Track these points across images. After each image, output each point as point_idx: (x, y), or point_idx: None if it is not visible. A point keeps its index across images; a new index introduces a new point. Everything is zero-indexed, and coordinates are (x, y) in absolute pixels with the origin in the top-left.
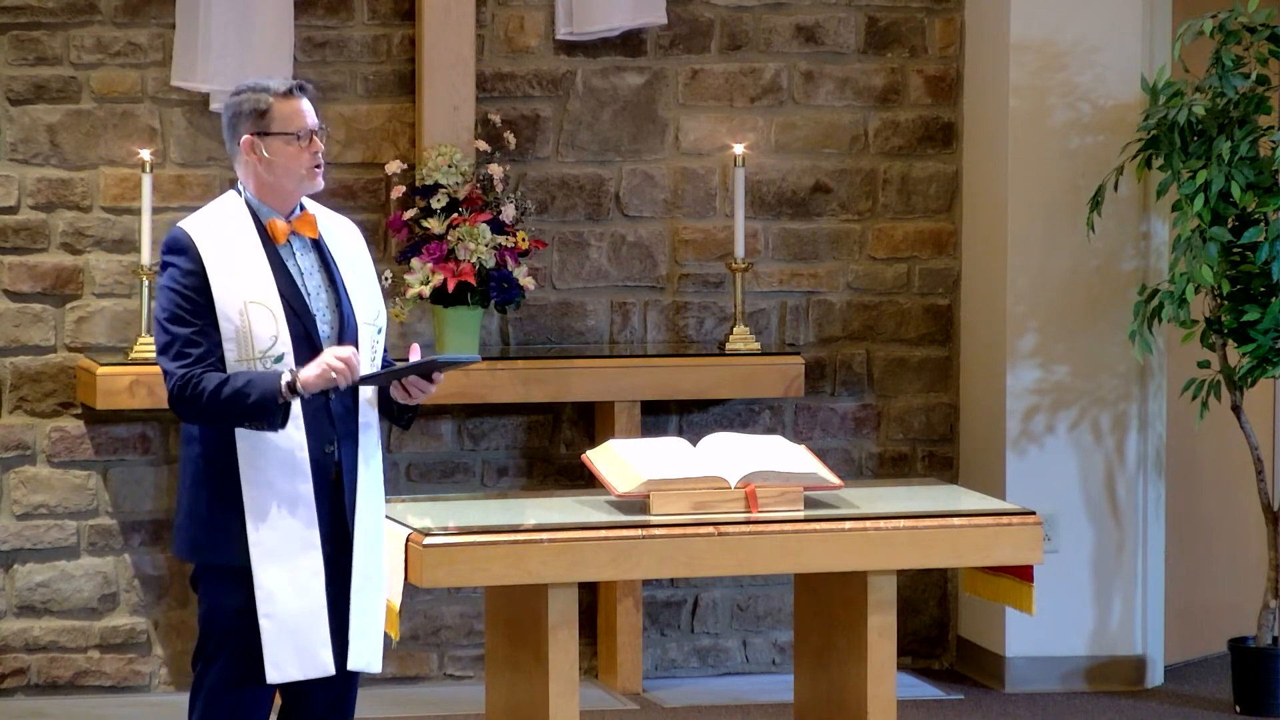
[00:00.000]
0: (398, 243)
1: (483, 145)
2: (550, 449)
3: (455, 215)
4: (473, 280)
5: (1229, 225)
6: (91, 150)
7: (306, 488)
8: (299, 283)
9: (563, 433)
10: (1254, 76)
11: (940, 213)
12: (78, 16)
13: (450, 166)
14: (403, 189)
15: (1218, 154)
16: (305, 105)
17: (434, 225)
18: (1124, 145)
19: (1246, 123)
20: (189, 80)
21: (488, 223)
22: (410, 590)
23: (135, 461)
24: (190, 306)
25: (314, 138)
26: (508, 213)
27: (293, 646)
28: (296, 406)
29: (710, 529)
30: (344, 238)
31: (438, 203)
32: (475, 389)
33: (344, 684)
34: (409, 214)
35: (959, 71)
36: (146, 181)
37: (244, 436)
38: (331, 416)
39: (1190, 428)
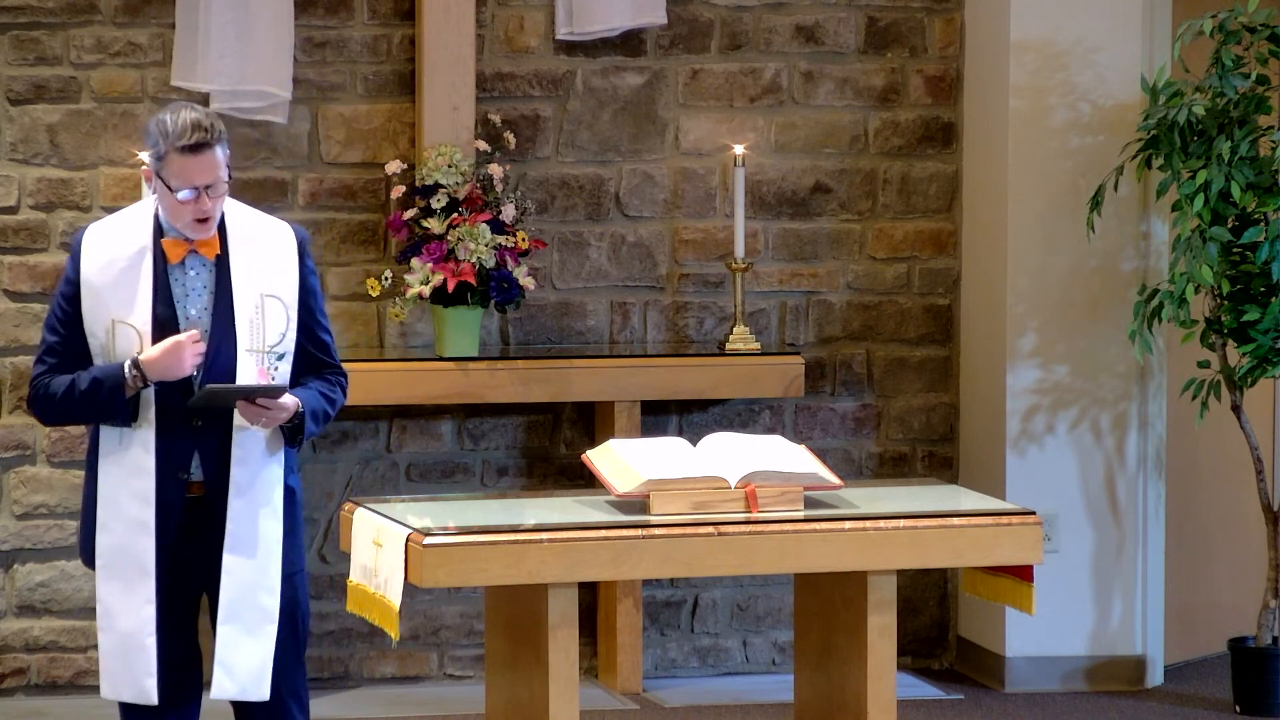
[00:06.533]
0: (398, 243)
1: (483, 145)
2: (550, 449)
3: (455, 215)
4: (473, 280)
5: (1229, 225)
6: (91, 150)
7: (148, 514)
8: (180, 305)
9: (563, 433)
10: (1254, 76)
11: (940, 213)
12: (78, 16)
13: (450, 166)
14: (403, 189)
15: (1218, 154)
16: (202, 163)
17: (434, 225)
18: (1124, 145)
19: (1246, 123)
20: (189, 80)
21: (488, 223)
22: (410, 590)
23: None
24: (61, 314)
25: (201, 195)
26: (508, 213)
27: (123, 667)
28: (150, 430)
29: (710, 529)
30: (263, 252)
31: (438, 203)
32: (475, 389)
33: (272, 707)
34: (409, 214)
35: (959, 71)
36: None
37: (103, 448)
38: (195, 443)
39: (1190, 428)
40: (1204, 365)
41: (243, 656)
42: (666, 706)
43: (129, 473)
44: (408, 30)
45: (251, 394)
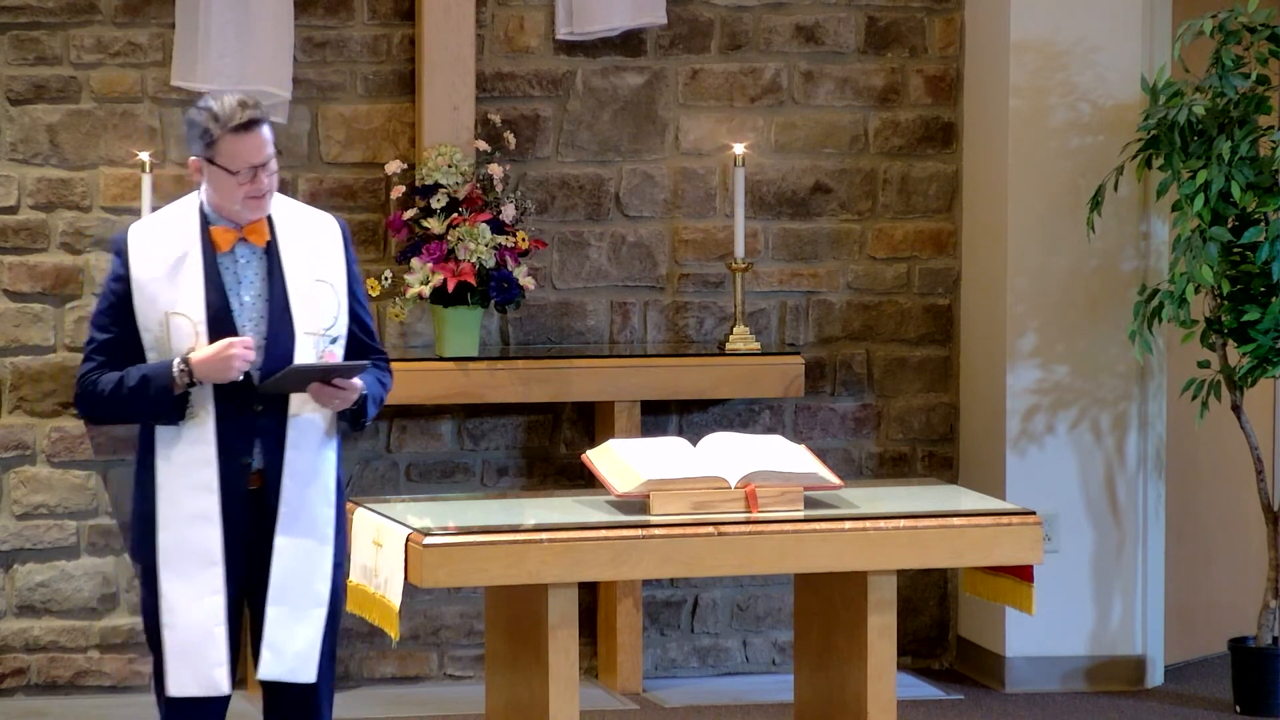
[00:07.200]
0: (398, 243)
1: (483, 145)
2: (550, 449)
3: (455, 215)
4: (473, 280)
5: (1229, 225)
6: (91, 150)
7: (211, 503)
8: (233, 293)
9: (563, 433)
10: (1254, 76)
11: (940, 213)
12: (78, 16)
13: (450, 166)
14: (403, 189)
15: (1218, 154)
16: (254, 141)
17: (434, 225)
18: (1124, 145)
19: (1246, 123)
20: (189, 80)
21: (488, 223)
22: (410, 590)
23: (135, 461)
24: (111, 312)
25: (257, 173)
26: (508, 213)
27: (189, 662)
28: (209, 420)
29: (710, 529)
30: (310, 239)
31: (438, 203)
32: (475, 389)
33: (303, 692)
34: (409, 214)
35: (959, 71)
36: (146, 181)
37: (160, 444)
38: (255, 429)
39: (1190, 428)
40: (1204, 365)
41: (291, 638)
42: (666, 706)
43: (190, 464)
44: (408, 30)
45: (333, 373)
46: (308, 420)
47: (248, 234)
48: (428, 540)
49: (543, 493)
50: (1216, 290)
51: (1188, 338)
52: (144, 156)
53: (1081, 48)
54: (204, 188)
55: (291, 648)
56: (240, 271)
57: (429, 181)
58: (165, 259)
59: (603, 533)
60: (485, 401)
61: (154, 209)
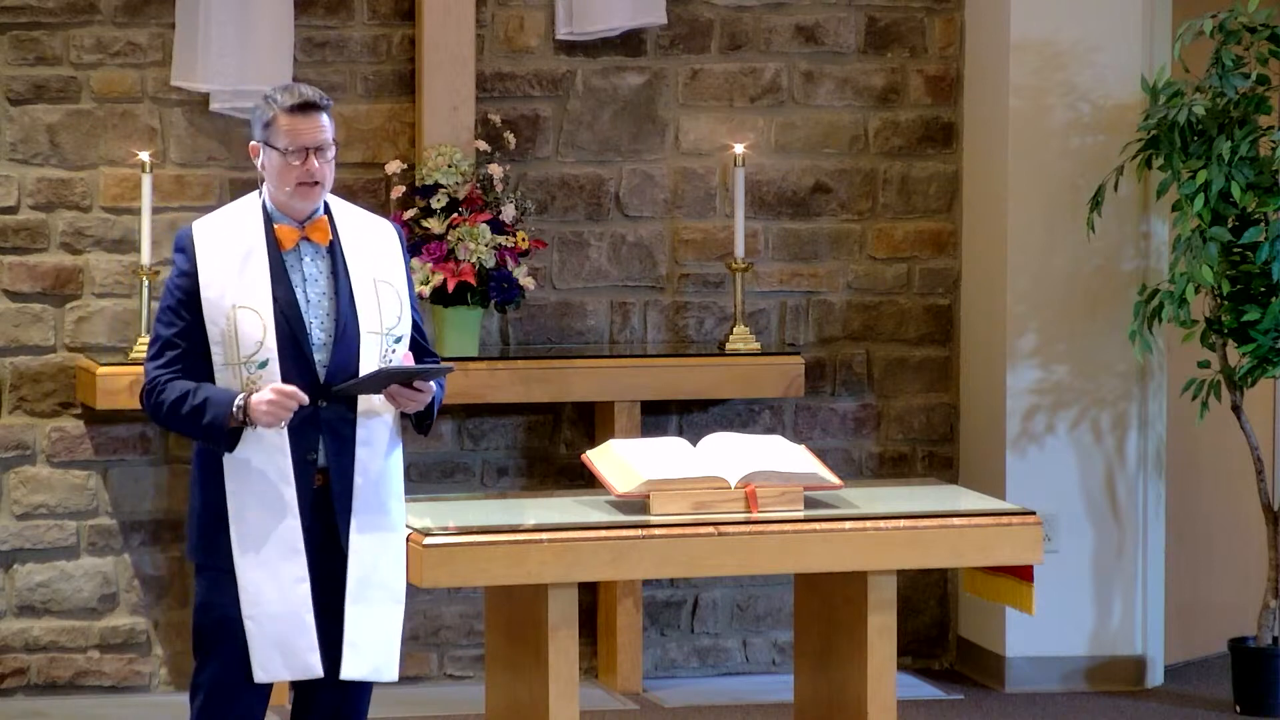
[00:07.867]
0: None
1: (483, 145)
2: (550, 449)
3: (455, 215)
4: (473, 280)
5: (1229, 225)
6: (91, 150)
7: (290, 493)
8: (299, 290)
9: (563, 433)
10: (1254, 76)
11: (940, 213)
12: (78, 16)
13: (450, 166)
14: (403, 189)
15: (1218, 154)
16: (308, 123)
17: (434, 225)
18: (1124, 145)
19: (1246, 123)
20: (189, 80)
21: (488, 223)
22: (410, 590)
23: (135, 461)
24: (177, 308)
25: (309, 156)
26: (508, 213)
27: (278, 648)
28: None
29: (710, 529)
30: (370, 242)
31: (438, 203)
32: (475, 389)
33: (347, 691)
34: (409, 214)
35: (959, 71)
36: (146, 181)
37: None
38: (320, 425)
39: (1190, 428)
40: (1204, 365)
41: (374, 637)
42: (666, 706)
43: (265, 456)
44: (408, 30)
45: (416, 375)
46: (378, 419)
47: (310, 233)
48: (428, 540)
49: (543, 493)
50: (1216, 290)
51: (1188, 338)
52: (144, 156)
53: (1081, 48)
54: (264, 186)
55: (374, 646)
56: (305, 270)
57: (429, 181)
58: (231, 255)
59: (603, 533)
60: (485, 401)
61: (154, 209)
